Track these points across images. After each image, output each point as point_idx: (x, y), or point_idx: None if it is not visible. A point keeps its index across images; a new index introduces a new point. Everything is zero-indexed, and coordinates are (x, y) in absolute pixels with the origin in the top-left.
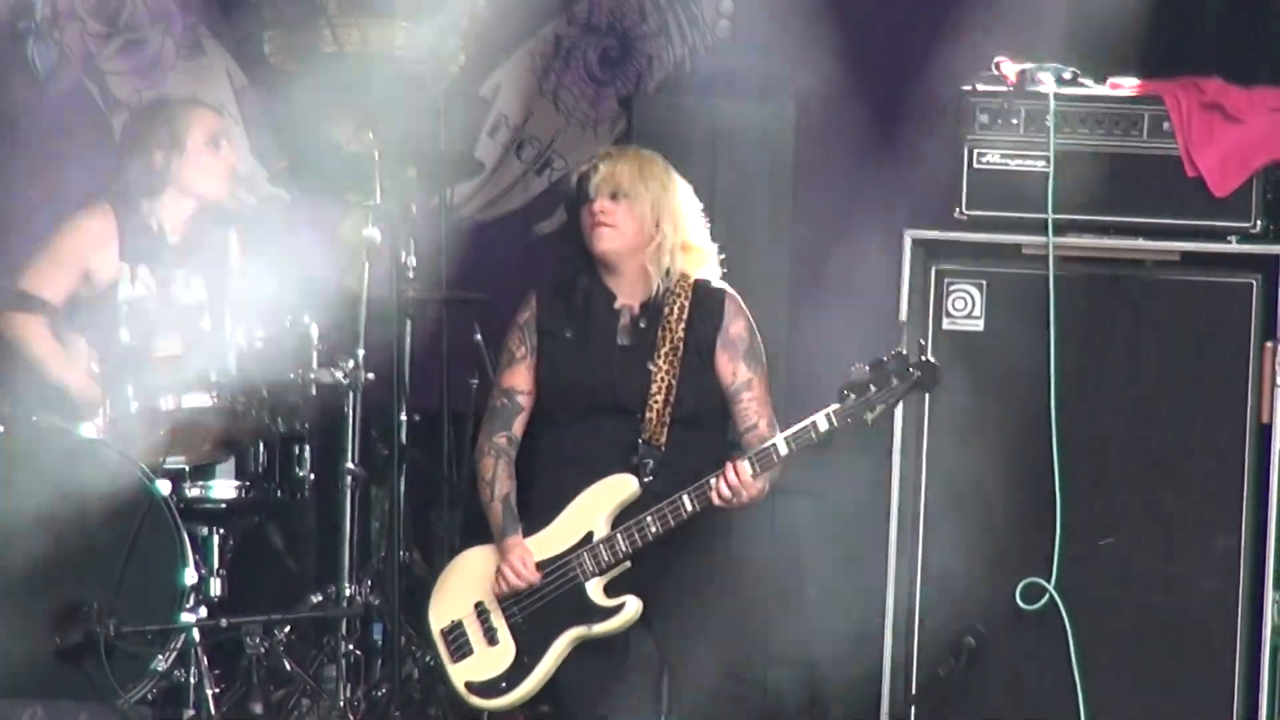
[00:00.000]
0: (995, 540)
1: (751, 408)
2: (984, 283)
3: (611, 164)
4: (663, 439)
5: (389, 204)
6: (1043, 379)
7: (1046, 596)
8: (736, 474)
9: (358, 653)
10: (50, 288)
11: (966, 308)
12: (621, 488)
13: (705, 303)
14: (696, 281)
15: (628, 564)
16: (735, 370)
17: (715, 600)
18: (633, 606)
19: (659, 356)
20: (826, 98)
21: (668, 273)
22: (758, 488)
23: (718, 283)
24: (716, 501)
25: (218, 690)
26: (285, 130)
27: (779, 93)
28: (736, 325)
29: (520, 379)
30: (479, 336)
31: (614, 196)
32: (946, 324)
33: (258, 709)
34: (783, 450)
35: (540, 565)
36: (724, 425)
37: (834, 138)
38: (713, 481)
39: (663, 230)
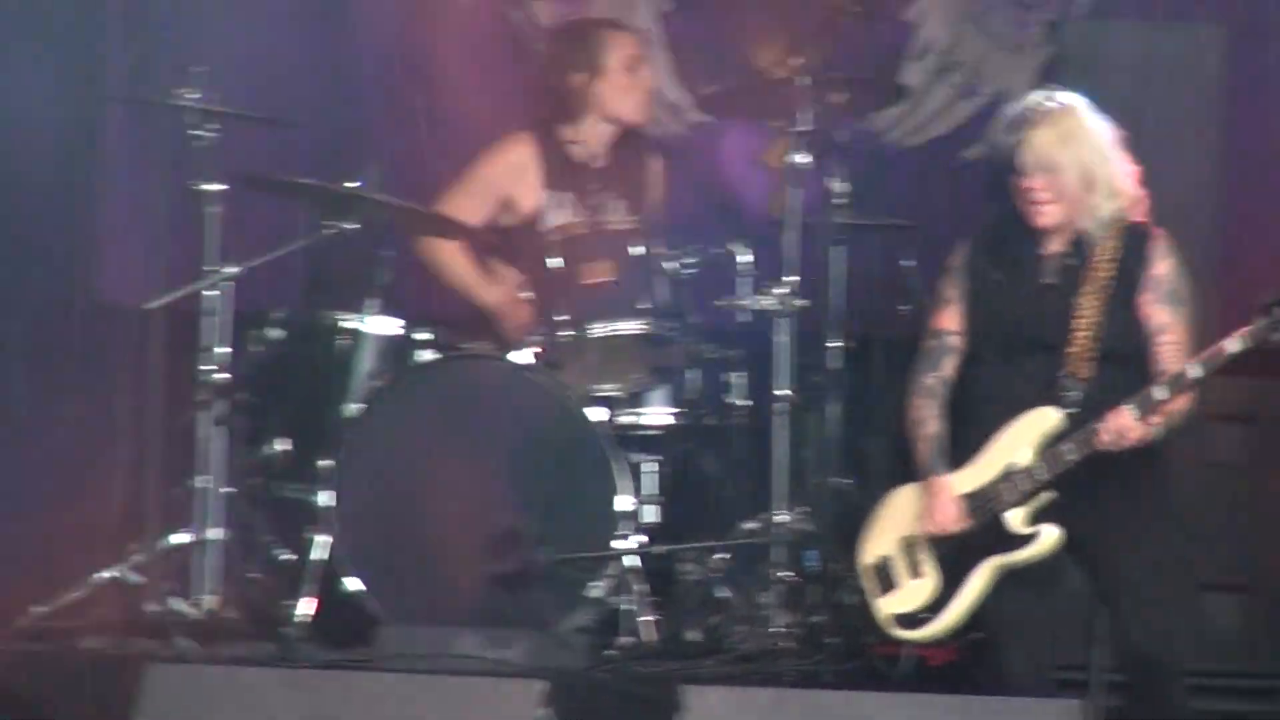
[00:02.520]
0: None
1: (1167, 351)
2: None
3: (1037, 135)
4: (1086, 373)
5: (815, 129)
6: None
7: None
8: (1119, 421)
9: (793, 579)
10: (469, 215)
11: None
12: (1044, 420)
13: (1133, 242)
14: (1126, 221)
15: (1049, 493)
16: (1155, 311)
17: (1146, 528)
18: (1049, 535)
19: (1084, 293)
20: (1260, 22)
21: (1098, 221)
22: (1139, 434)
23: (1147, 223)
24: (1103, 441)
25: (653, 617)
26: (711, 56)
27: (1207, 17)
28: (1161, 266)
29: (949, 320)
30: (908, 262)
31: (1044, 171)
32: None
33: (693, 636)
34: (1193, 374)
35: (964, 498)
36: (1148, 365)
37: (1271, 63)
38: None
39: (1091, 191)
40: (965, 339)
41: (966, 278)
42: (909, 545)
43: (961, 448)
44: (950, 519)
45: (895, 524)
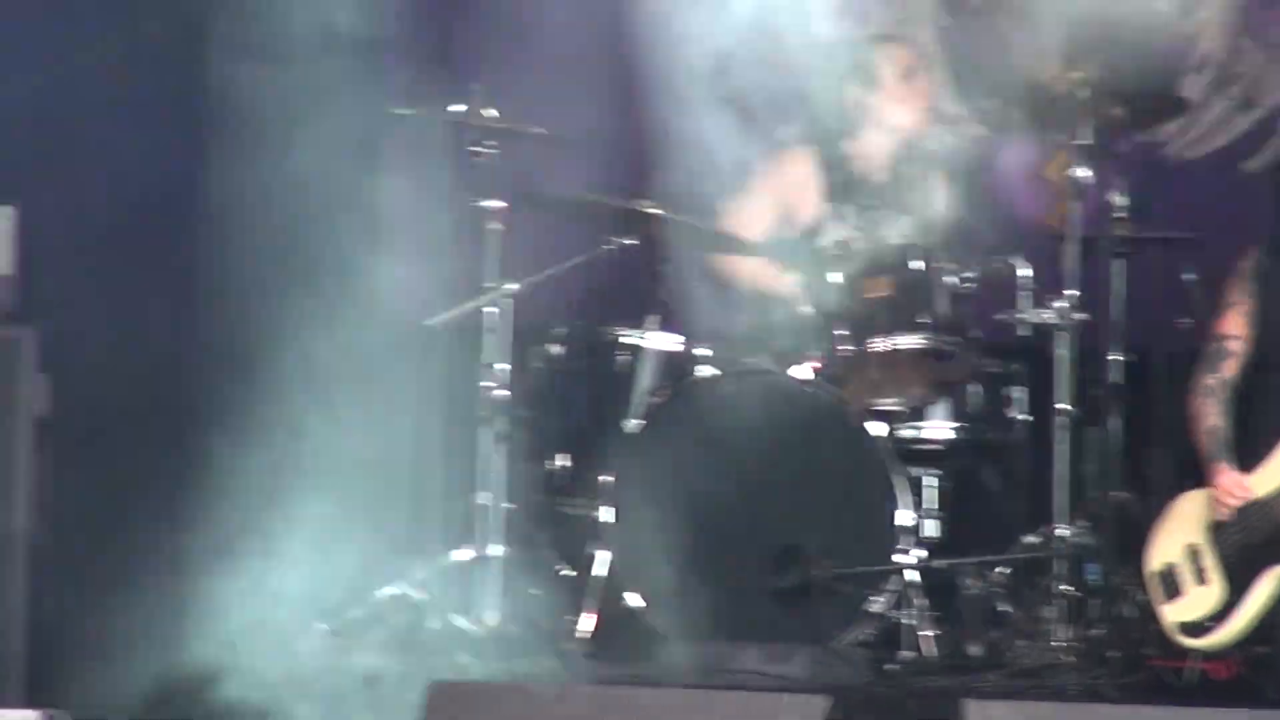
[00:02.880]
0: None
1: None
2: None
3: None
4: None
5: (1095, 143)
6: None
7: None
8: None
9: (1075, 593)
10: (750, 229)
11: None
12: None
13: None
14: None
15: None
16: None
17: None
18: None
19: None
20: None
21: None
22: None
23: None
24: None
25: (934, 631)
26: (989, 69)
27: None
28: None
29: (1232, 324)
30: (1189, 275)
31: None
32: None
33: (975, 650)
34: None
35: (1250, 506)
36: None
37: None
38: None
39: None
40: (1248, 343)
41: (1255, 282)
42: (1195, 552)
43: (1252, 454)
44: (1239, 497)
45: (1182, 530)
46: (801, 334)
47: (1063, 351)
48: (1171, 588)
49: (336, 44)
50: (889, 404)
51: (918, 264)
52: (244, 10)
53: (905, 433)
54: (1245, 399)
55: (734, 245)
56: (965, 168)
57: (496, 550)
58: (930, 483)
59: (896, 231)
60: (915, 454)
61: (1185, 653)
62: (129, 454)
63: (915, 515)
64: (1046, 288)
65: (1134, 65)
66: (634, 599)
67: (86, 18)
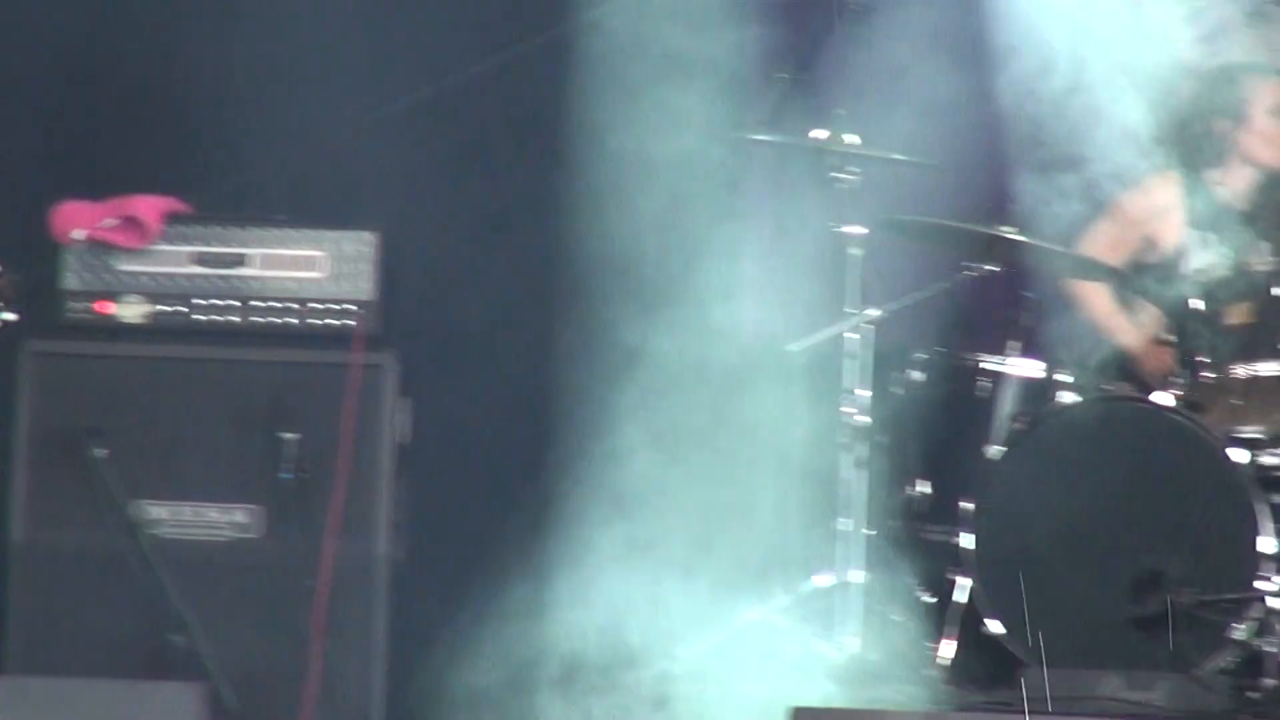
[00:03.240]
0: None
1: None
2: None
3: None
4: None
5: None
6: None
7: None
8: None
9: None
10: (1112, 255)
11: None
12: None
13: None
14: None
15: None
16: None
17: None
18: None
19: None
20: None
21: None
22: None
23: None
24: None
25: None
26: None
27: None
28: None
29: None
30: None
31: None
32: None
33: None
34: None
35: None
36: None
37: None
38: None
39: None
40: None
41: None
42: None
43: None
44: None
45: None
46: (1162, 360)
47: None
48: None
49: (698, 71)
50: (1251, 431)
51: None
52: (605, 39)
53: (1267, 460)
54: None
55: (1096, 271)
56: None
57: (857, 576)
58: None
59: (1259, 258)
60: (1278, 481)
61: None
62: (488, 478)
63: (1278, 542)
64: None
65: None
66: (995, 625)
67: (446, 44)
